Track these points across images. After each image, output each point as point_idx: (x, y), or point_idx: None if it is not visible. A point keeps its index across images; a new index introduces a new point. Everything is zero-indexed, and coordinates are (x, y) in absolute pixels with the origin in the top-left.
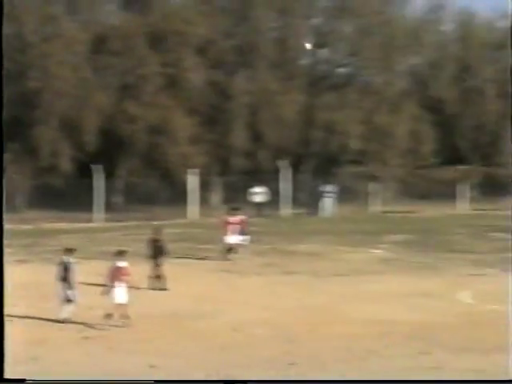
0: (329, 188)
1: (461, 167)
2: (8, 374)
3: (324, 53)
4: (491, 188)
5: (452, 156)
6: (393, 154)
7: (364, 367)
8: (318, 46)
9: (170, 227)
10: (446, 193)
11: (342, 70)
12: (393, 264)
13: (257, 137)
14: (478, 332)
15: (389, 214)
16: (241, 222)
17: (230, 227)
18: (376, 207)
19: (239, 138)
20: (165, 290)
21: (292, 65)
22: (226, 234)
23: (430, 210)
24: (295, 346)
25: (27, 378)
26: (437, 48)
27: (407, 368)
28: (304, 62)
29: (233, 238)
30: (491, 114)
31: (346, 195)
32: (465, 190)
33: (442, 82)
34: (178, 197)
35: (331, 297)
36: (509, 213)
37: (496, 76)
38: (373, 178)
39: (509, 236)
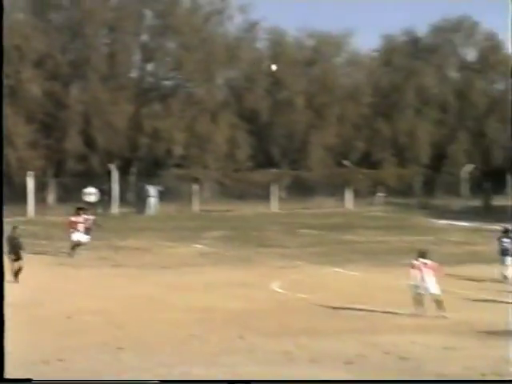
0: (154, 189)
1: (273, 170)
2: (8, 374)
3: (151, 67)
4: (299, 189)
5: (265, 160)
6: (212, 159)
7: (186, 350)
8: (145, 60)
9: (11, 225)
10: (259, 193)
11: (167, 83)
12: (212, 257)
13: (89, 142)
14: (287, 318)
15: (208, 213)
16: (86, 221)
17: (76, 226)
18: (197, 206)
19: (73, 143)
20: (16, 281)
21: (122, 77)
22: (72, 233)
23: (245, 209)
24: (124, 332)
25: (34, 379)
26: (251, 63)
27: (224, 351)
28: (133, 74)
29: (78, 236)
30: (300, 123)
31: (170, 195)
32: (276, 191)
33: (256, 94)
34: (18, 196)
35: (157, 287)
36: (315, 211)
37: (304, 89)
38: (194, 179)
39: (315, 232)
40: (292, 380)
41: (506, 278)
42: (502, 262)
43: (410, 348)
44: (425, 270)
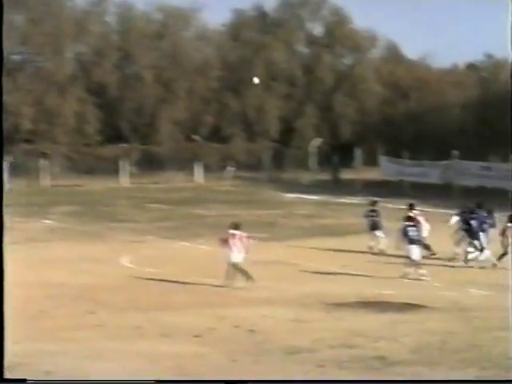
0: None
1: (122, 145)
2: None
3: None
4: (149, 164)
5: (114, 135)
6: (61, 133)
7: (35, 326)
8: None
9: None
10: (109, 168)
11: (15, 57)
12: (62, 233)
13: None
14: (138, 292)
15: (57, 188)
16: None
17: None
18: (46, 181)
19: None
20: None
21: None
22: None
23: (94, 184)
24: None
25: (28, 378)
26: (100, 37)
27: (74, 326)
28: None
29: None
30: (149, 97)
31: (18, 171)
32: (126, 166)
33: (104, 68)
34: None
35: (9, 263)
36: (165, 186)
37: (153, 64)
38: (43, 154)
39: (165, 206)
40: (292, 380)
41: (372, 248)
42: (373, 236)
43: (260, 321)
44: (234, 241)
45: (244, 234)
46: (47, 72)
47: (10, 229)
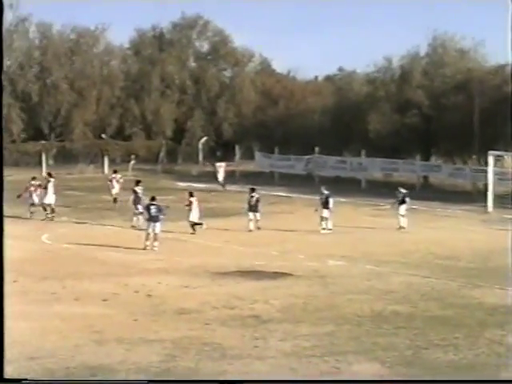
0: None
1: (42, 142)
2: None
3: None
4: (64, 158)
5: (36, 134)
6: None
7: None
8: None
9: None
10: (31, 161)
11: None
12: None
13: None
14: (55, 264)
15: None
16: None
17: None
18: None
19: None
20: None
21: None
22: None
23: (18, 175)
24: None
25: (28, 378)
26: (23, 53)
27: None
28: None
29: None
30: (64, 103)
31: None
32: (45, 159)
33: (27, 78)
34: None
35: None
36: (77, 176)
37: (68, 75)
38: None
39: (78, 193)
40: (292, 380)
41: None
42: (250, 216)
43: (156, 287)
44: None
45: None
46: None
47: None
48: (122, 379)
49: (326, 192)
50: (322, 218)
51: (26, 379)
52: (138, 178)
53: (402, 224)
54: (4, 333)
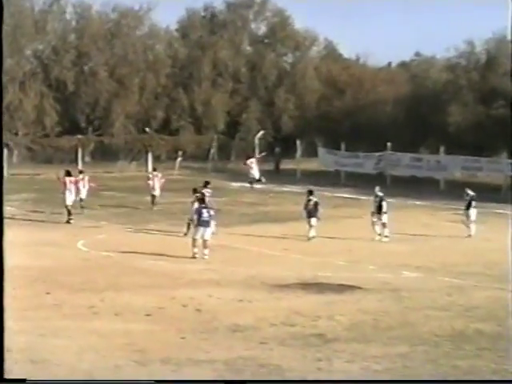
0: None
1: (78, 136)
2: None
3: None
4: (103, 154)
5: (71, 127)
6: (21, 125)
7: None
8: None
9: None
10: (66, 158)
11: None
12: (24, 218)
13: None
14: (93, 274)
15: (17, 177)
16: None
17: None
18: (6, 171)
19: None
20: None
21: None
22: None
23: (52, 173)
24: None
25: (28, 379)
26: (58, 36)
27: (32, 306)
28: None
29: None
30: (103, 92)
31: None
32: (81, 156)
33: (62, 65)
34: None
35: None
36: (117, 175)
37: (107, 61)
38: (4, 145)
39: (118, 194)
40: (292, 380)
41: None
42: (309, 223)
43: (206, 301)
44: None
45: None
46: (8, 68)
47: None
48: (128, 379)
49: (380, 194)
50: (375, 223)
51: (25, 379)
52: (207, 179)
53: (472, 232)
54: (4, 333)
